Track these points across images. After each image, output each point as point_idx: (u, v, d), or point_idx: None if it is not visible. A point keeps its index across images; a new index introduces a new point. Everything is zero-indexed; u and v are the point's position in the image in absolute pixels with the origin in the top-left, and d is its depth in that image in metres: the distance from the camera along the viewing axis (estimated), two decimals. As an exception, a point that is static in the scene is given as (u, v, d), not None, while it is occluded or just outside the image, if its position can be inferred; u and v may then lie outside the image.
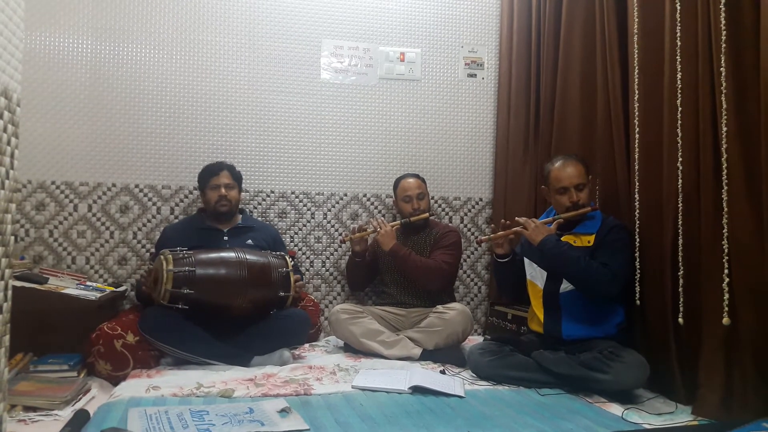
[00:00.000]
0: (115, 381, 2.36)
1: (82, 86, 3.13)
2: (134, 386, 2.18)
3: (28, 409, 1.96)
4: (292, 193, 3.39)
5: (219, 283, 2.56)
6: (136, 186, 3.20)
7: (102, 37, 3.16)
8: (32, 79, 3.06)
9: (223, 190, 2.89)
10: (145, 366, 2.47)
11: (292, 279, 2.68)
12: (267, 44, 3.36)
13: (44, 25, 3.10)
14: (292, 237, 3.38)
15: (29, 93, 3.05)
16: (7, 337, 1.24)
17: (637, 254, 2.42)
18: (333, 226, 3.44)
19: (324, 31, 3.43)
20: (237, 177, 3.00)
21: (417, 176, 3.20)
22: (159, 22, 3.23)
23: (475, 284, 3.60)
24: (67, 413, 1.95)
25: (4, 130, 1.21)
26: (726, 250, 1.97)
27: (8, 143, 1.23)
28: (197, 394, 2.12)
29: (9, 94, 1.22)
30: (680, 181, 2.19)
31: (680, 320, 2.19)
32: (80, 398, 2.12)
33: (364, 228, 3.09)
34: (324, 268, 3.42)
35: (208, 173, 2.94)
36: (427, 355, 2.73)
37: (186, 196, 3.25)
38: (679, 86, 2.19)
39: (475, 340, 2.99)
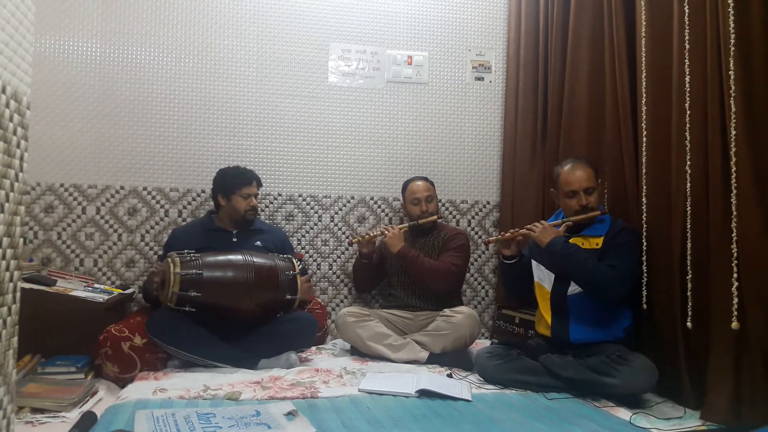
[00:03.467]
0: (122, 383, 2.37)
1: (91, 89, 3.15)
2: (141, 388, 2.18)
3: (35, 410, 1.97)
4: (300, 195, 3.40)
5: (226, 286, 2.56)
6: (144, 189, 3.21)
7: (111, 40, 3.18)
8: (42, 83, 3.09)
9: (254, 201, 2.93)
10: (152, 368, 2.48)
11: (299, 282, 2.69)
12: (275, 48, 3.37)
13: (54, 29, 3.12)
14: (299, 240, 3.39)
15: (39, 96, 3.07)
16: (15, 339, 1.25)
17: (645, 258, 2.41)
18: (340, 229, 3.44)
19: (332, 34, 3.44)
20: (260, 186, 3.03)
21: (426, 179, 3.20)
22: (167, 25, 3.25)
23: (483, 288, 3.59)
24: (74, 415, 1.95)
25: (14, 132, 1.21)
26: (735, 254, 1.95)
27: (18, 146, 1.24)
28: (204, 396, 2.12)
29: (19, 97, 1.23)
30: (688, 184, 2.17)
31: (689, 324, 2.17)
32: (87, 400, 2.13)
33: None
34: (331, 271, 3.42)
35: (241, 181, 2.92)
36: (434, 359, 2.72)
37: (194, 199, 3.26)
38: (688, 89, 2.18)
39: (482, 344, 2.98)
